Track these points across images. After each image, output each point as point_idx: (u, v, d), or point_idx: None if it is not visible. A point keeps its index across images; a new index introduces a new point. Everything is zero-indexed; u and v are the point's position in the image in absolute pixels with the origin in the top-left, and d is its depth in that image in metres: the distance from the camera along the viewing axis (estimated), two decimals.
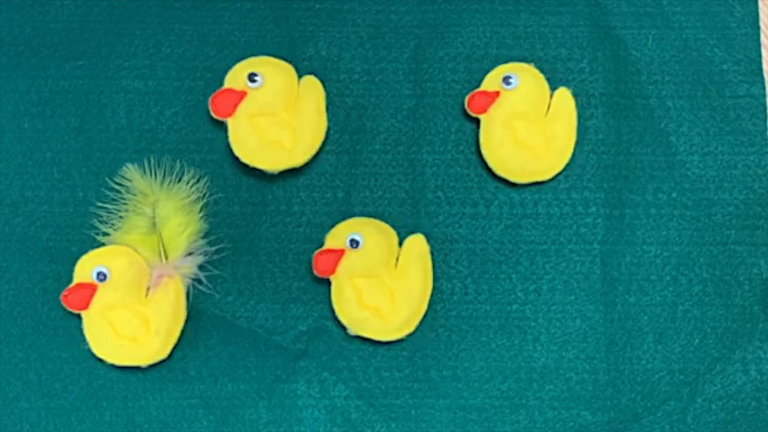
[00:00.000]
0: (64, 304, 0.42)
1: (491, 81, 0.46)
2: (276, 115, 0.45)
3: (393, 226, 0.45)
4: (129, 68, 0.47)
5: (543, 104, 0.46)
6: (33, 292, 0.44)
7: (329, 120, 0.46)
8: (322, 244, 0.44)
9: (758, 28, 0.48)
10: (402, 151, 0.46)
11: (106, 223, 0.44)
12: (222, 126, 0.45)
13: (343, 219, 0.45)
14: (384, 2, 0.48)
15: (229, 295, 0.45)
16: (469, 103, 0.46)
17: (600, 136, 0.47)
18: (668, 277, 0.45)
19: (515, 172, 0.45)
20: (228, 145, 0.44)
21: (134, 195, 0.44)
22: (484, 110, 0.45)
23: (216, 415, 0.44)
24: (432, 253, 0.45)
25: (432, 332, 0.45)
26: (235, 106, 0.44)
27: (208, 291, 0.44)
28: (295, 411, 0.44)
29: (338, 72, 0.47)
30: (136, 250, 0.43)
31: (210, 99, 0.44)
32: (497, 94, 0.45)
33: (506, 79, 0.45)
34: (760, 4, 0.48)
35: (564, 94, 0.46)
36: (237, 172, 0.46)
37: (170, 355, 0.43)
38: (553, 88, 0.46)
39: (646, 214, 0.46)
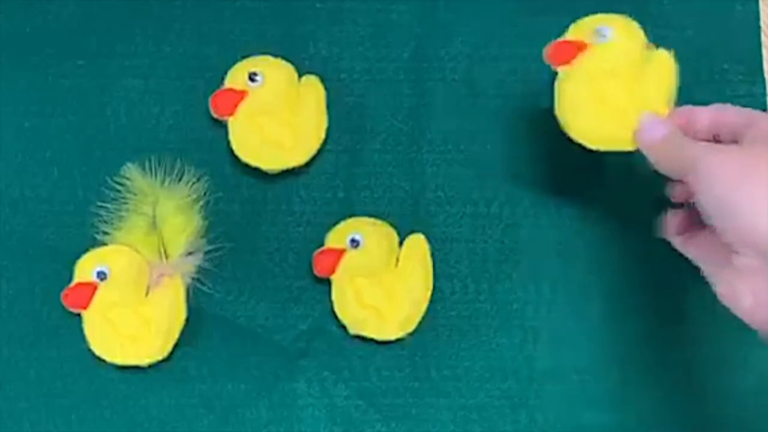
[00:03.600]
0: (64, 304, 0.42)
1: (578, 31, 0.40)
2: (276, 114, 0.45)
3: (393, 225, 0.45)
4: (129, 67, 0.47)
5: (636, 63, 0.40)
6: (33, 292, 0.44)
7: (329, 119, 0.45)
8: (322, 244, 0.44)
9: (759, 27, 0.47)
10: (402, 151, 0.46)
11: (107, 222, 0.44)
12: (222, 125, 0.45)
13: (344, 218, 0.45)
14: (384, 1, 0.48)
15: (229, 294, 0.45)
16: (550, 52, 0.40)
17: None
18: None
19: (596, 138, 0.39)
20: (228, 144, 0.44)
21: (134, 194, 0.44)
22: (568, 62, 0.40)
23: (216, 414, 0.44)
24: (432, 253, 0.45)
25: (432, 332, 0.45)
26: (236, 105, 0.44)
27: (209, 290, 0.44)
28: (296, 410, 0.44)
29: (338, 71, 0.47)
30: (136, 250, 0.43)
31: (210, 98, 0.44)
32: (584, 45, 0.40)
33: (599, 32, 0.39)
34: (761, 3, 0.48)
35: (662, 56, 0.40)
36: (237, 171, 0.46)
37: (170, 355, 0.43)
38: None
39: None
